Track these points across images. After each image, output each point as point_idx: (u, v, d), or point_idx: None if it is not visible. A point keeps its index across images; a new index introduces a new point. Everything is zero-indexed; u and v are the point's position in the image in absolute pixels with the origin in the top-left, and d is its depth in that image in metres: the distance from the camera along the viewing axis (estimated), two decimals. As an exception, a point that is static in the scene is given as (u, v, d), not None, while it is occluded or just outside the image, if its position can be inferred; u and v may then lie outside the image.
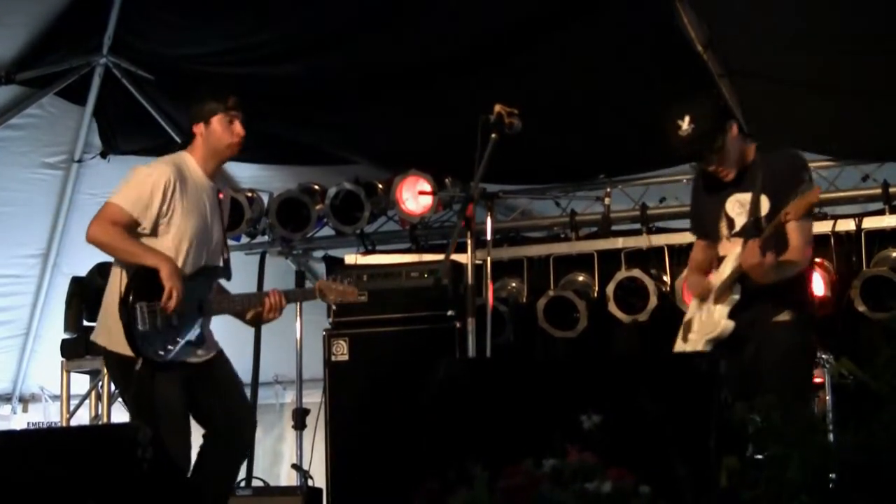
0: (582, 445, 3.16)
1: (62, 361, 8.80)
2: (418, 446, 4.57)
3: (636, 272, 8.18)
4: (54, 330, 9.20)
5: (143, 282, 5.57)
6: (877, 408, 2.97)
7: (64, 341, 8.72)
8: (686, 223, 8.29)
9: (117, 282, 5.66)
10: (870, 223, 7.80)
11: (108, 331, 5.67)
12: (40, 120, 9.02)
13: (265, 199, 9.12)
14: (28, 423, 10.44)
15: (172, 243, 5.68)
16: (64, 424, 8.92)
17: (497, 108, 5.91)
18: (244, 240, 9.30)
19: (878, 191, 7.82)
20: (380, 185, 8.90)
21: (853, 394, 4.75)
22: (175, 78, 8.78)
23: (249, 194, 9.09)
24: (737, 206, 5.46)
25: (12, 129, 8.90)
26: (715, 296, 5.46)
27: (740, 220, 5.45)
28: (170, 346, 5.63)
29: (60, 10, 8.17)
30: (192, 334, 5.74)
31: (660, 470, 3.27)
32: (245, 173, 9.41)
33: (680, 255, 8.25)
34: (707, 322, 5.49)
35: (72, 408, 9.05)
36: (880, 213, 7.79)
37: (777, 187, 5.30)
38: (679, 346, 5.72)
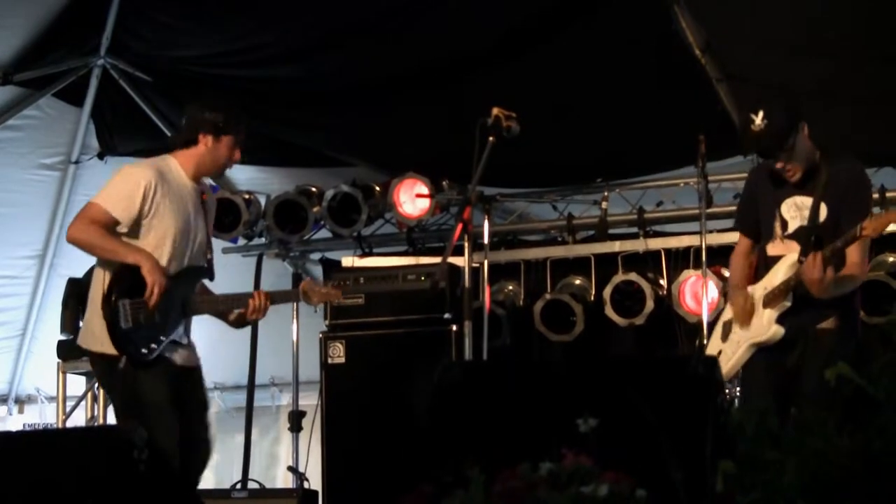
0: (578, 449, 3.16)
1: (58, 363, 8.80)
2: (414, 449, 4.57)
3: (633, 276, 8.19)
4: (51, 331, 9.20)
5: (126, 280, 5.60)
6: (873, 412, 2.97)
7: (60, 342, 8.71)
8: (683, 227, 8.35)
9: (100, 282, 5.67)
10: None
11: (93, 332, 5.68)
12: (38, 121, 9.02)
13: (262, 201, 9.12)
14: (24, 425, 10.43)
15: (154, 244, 5.69)
16: (60, 426, 8.92)
17: (495, 111, 5.92)
18: (241, 241, 9.30)
19: (875, 195, 7.81)
20: (377, 188, 8.90)
21: (850, 398, 4.76)
22: (173, 80, 8.79)
23: (247, 196, 9.08)
24: (793, 209, 5.43)
25: (10, 129, 8.90)
26: (765, 300, 5.45)
27: (794, 224, 5.42)
28: (153, 345, 5.63)
29: (58, 12, 8.16)
30: (176, 334, 5.75)
31: (656, 474, 3.27)
32: (242, 175, 9.41)
33: (677, 258, 8.27)
34: (756, 325, 5.47)
35: (68, 409, 9.05)
36: (877, 217, 7.79)
37: (839, 197, 5.29)
38: (716, 345, 5.69)
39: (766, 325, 5.43)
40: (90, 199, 5.71)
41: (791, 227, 5.44)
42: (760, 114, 5.35)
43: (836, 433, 2.91)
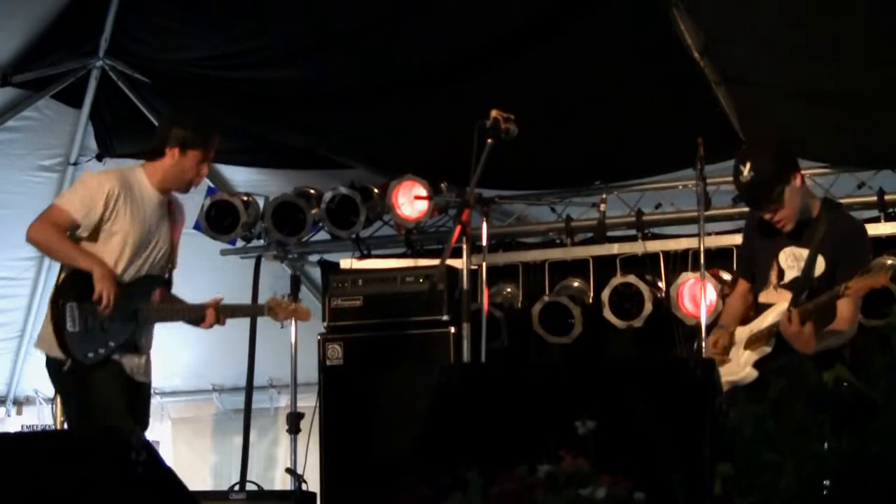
0: (576, 451, 3.16)
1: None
2: (412, 451, 4.57)
3: (631, 278, 8.19)
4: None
5: (77, 284, 5.70)
6: (871, 415, 2.97)
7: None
8: (681, 229, 8.36)
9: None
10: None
11: (43, 335, 5.80)
12: (36, 122, 9.01)
13: (261, 202, 9.11)
14: (22, 426, 10.44)
15: (113, 250, 5.79)
16: (58, 427, 8.90)
17: (493, 113, 5.92)
18: (240, 243, 9.29)
19: (874, 198, 7.83)
20: (375, 190, 8.89)
21: (847, 401, 4.76)
22: (171, 82, 8.78)
23: (245, 198, 9.08)
24: (790, 259, 5.44)
25: (8, 131, 8.89)
26: (747, 341, 5.46)
27: (791, 273, 5.43)
28: (100, 350, 5.72)
29: (57, 13, 8.15)
30: (124, 340, 5.82)
31: (654, 476, 3.27)
32: (241, 177, 9.41)
33: (675, 261, 8.26)
34: (733, 363, 5.48)
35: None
36: (875, 220, 7.79)
37: (836, 251, 5.30)
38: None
39: (741, 366, 5.44)
40: (54, 200, 5.86)
41: (787, 277, 5.45)
42: (748, 165, 5.37)
43: (834, 436, 2.91)
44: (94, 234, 5.78)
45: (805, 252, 5.39)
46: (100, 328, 5.69)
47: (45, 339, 5.79)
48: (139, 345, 5.90)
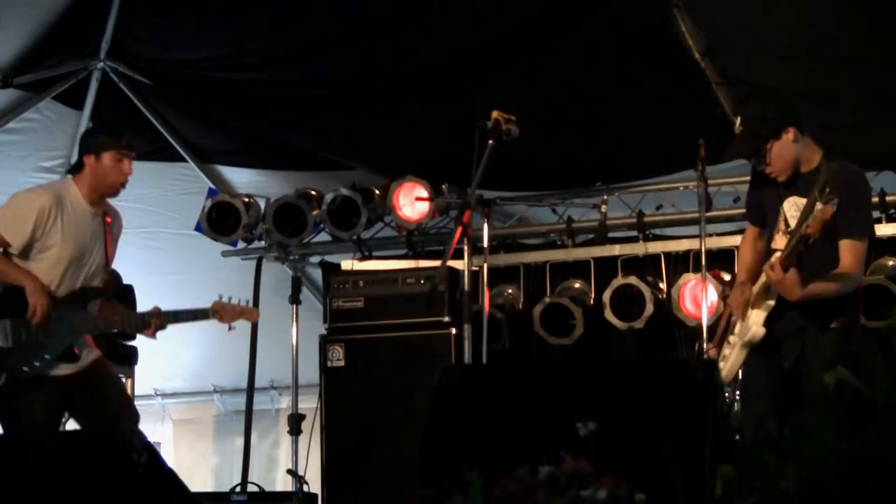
0: (577, 452, 3.16)
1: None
2: (414, 452, 4.57)
3: (632, 279, 8.19)
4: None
5: (10, 300, 5.82)
6: (872, 417, 2.97)
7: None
8: (682, 230, 8.36)
9: None
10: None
11: None
12: (38, 124, 9.01)
13: (262, 204, 9.11)
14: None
15: (47, 266, 5.89)
16: (59, 429, 8.90)
17: (494, 114, 5.92)
18: (241, 245, 9.29)
19: (875, 199, 7.81)
20: (377, 191, 8.90)
21: (849, 402, 4.76)
22: (172, 83, 8.79)
23: (246, 199, 9.08)
24: (793, 208, 5.45)
25: (9, 133, 8.89)
26: (753, 300, 5.47)
27: (794, 222, 5.44)
28: (36, 363, 5.84)
29: (58, 14, 8.15)
30: (60, 353, 5.91)
31: (655, 477, 3.27)
32: (242, 178, 9.41)
33: (676, 262, 8.26)
34: (744, 325, 5.49)
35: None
36: (877, 221, 7.77)
37: (837, 201, 5.30)
38: (724, 348, 5.70)
39: (750, 325, 5.44)
40: None
41: (792, 225, 5.46)
42: (739, 118, 5.45)
43: (835, 437, 2.91)
44: (27, 251, 5.89)
45: (804, 201, 5.41)
46: (35, 342, 5.82)
47: None
48: (77, 356, 5.99)
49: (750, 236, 5.81)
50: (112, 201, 6.29)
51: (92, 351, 6.10)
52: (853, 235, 5.32)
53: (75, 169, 6.09)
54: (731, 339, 5.60)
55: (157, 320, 6.05)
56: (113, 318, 6.16)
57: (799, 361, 5.35)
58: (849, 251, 5.32)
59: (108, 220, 6.13)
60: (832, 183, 5.35)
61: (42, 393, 5.86)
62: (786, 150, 5.42)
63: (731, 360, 5.54)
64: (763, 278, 5.42)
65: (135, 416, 6.17)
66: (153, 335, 6.12)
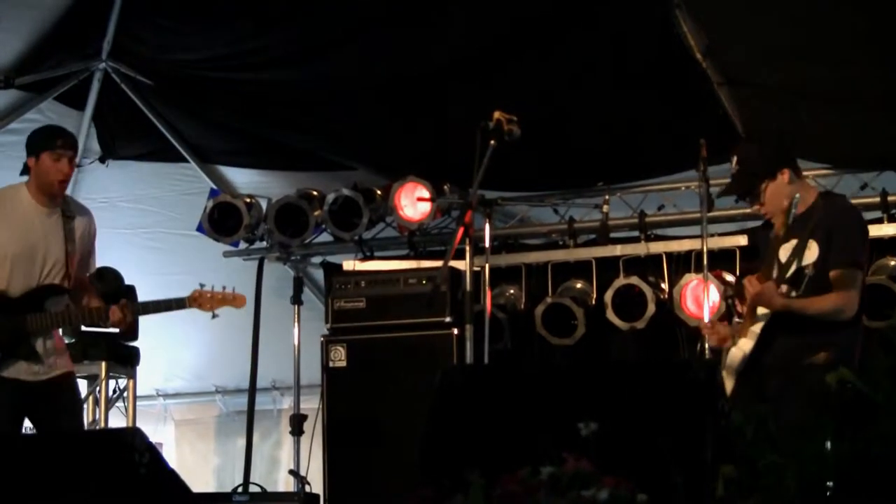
0: (579, 453, 3.17)
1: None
2: (416, 453, 4.57)
3: (634, 279, 8.19)
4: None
5: None
6: (874, 417, 2.97)
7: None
8: (683, 230, 8.35)
9: None
10: (868, 232, 7.80)
11: None
12: (39, 124, 8.97)
13: (264, 204, 9.11)
14: (25, 428, 10.42)
15: None
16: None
17: (496, 114, 5.93)
18: (242, 245, 9.29)
19: (877, 199, 7.82)
20: (378, 192, 8.89)
21: (850, 403, 4.76)
22: (174, 83, 8.79)
23: (248, 200, 9.08)
24: (788, 252, 5.46)
25: (11, 133, 8.88)
26: (741, 330, 5.48)
27: (792, 267, 5.44)
28: None
29: (60, 15, 8.16)
30: (16, 350, 5.97)
31: (656, 478, 3.27)
32: (243, 179, 9.41)
33: (678, 262, 8.26)
34: (734, 354, 5.49)
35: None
36: (878, 221, 7.79)
37: (828, 233, 5.30)
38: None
39: (735, 353, 5.45)
40: None
41: (790, 271, 5.44)
42: (735, 158, 5.47)
43: (836, 438, 2.91)
44: None
45: (795, 242, 5.42)
46: None
47: None
48: (36, 353, 6.03)
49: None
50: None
51: (61, 362, 6.17)
52: (842, 265, 5.32)
53: (24, 172, 6.27)
54: (724, 368, 5.60)
55: (122, 312, 6.10)
56: (71, 313, 6.21)
57: (782, 391, 5.31)
58: (839, 281, 5.32)
59: (73, 222, 6.22)
60: (824, 218, 5.34)
61: (3, 396, 5.94)
62: (780, 190, 5.43)
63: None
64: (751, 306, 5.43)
65: None
66: (116, 325, 6.19)
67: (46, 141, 6.22)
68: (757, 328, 5.37)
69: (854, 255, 5.39)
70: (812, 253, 5.32)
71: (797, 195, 5.34)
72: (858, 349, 5.49)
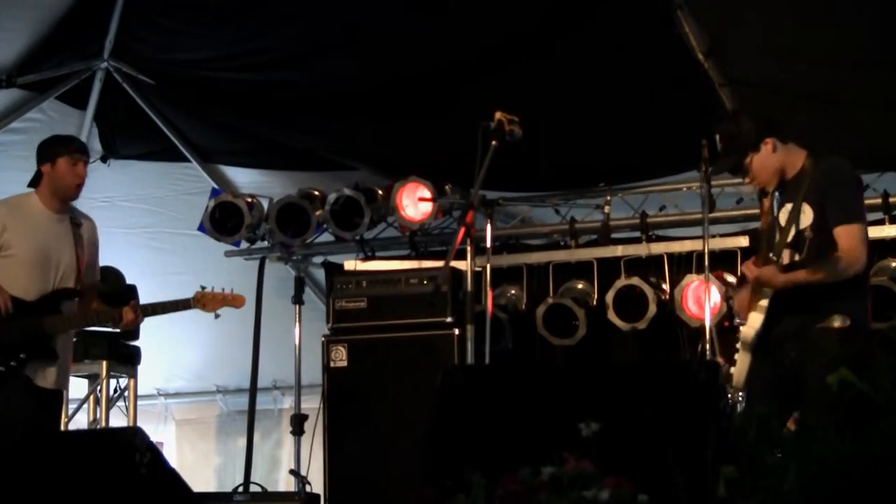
0: (580, 453, 3.16)
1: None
2: (417, 453, 4.57)
3: (635, 280, 8.19)
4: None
5: None
6: (875, 418, 2.97)
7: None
8: (685, 231, 8.36)
9: None
10: (869, 233, 7.78)
11: None
12: (41, 124, 9.01)
13: (265, 204, 9.11)
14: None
15: (12, 273, 6.17)
16: (62, 428, 8.91)
17: (497, 115, 5.93)
18: (244, 245, 9.29)
19: (878, 200, 7.81)
20: (380, 192, 8.89)
21: (851, 403, 4.75)
22: (176, 83, 8.79)
23: (249, 199, 9.08)
24: (786, 215, 5.47)
25: (13, 132, 8.90)
26: (749, 303, 5.49)
27: (791, 231, 5.45)
28: (11, 362, 6.06)
29: (62, 15, 8.17)
30: (34, 352, 6.11)
31: (658, 478, 3.27)
32: (245, 178, 9.41)
33: (679, 263, 8.26)
34: (746, 329, 5.51)
35: (70, 412, 9.04)
36: (880, 222, 7.79)
37: (820, 194, 5.32)
38: (736, 356, 5.70)
39: (747, 329, 5.46)
40: None
41: (790, 236, 5.45)
42: (718, 136, 5.55)
43: (838, 438, 2.91)
44: None
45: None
46: (8, 343, 6.03)
47: None
48: (52, 355, 6.17)
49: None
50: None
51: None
52: (842, 221, 5.32)
53: (35, 181, 6.42)
54: (739, 345, 5.61)
55: (132, 314, 6.29)
56: (85, 314, 6.40)
57: (800, 362, 5.35)
58: (841, 236, 5.33)
59: (80, 229, 6.40)
60: (815, 181, 5.37)
61: (20, 391, 6.05)
62: (766, 161, 5.46)
63: (739, 365, 5.55)
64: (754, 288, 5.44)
65: None
66: (127, 326, 6.43)
67: (62, 146, 6.41)
68: (764, 302, 5.39)
69: (850, 208, 5.40)
70: (807, 216, 5.34)
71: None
72: (870, 309, 5.56)
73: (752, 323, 5.44)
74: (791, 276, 5.31)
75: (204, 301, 6.48)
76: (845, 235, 5.34)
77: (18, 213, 6.34)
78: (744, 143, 5.48)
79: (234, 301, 6.60)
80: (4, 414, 6.03)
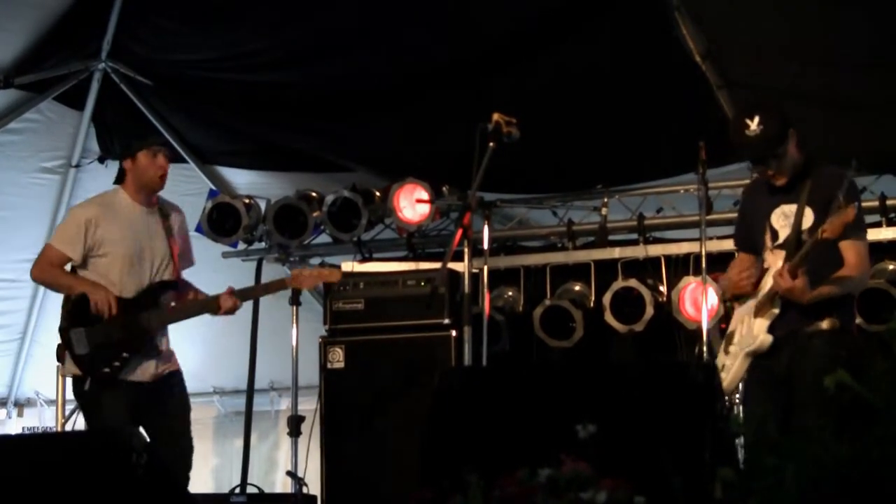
0: (577, 455, 3.16)
1: (58, 366, 8.75)
2: (414, 454, 4.57)
3: (633, 282, 8.19)
4: (50, 335, 9.11)
5: (80, 309, 6.22)
6: (872, 420, 2.97)
7: (60, 346, 8.70)
8: (682, 234, 8.36)
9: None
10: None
11: (65, 356, 6.31)
12: (38, 124, 9.02)
13: (262, 205, 9.11)
14: (23, 428, 10.44)
15: (109, 271, 6.27)
16: (59, 429, 8.91)
17: (495, 116, 5.93)
18: (241, 246, 9.29)
19: (875, 203, 7.81)
20: (377, 193, 8.89)
21: (849, 406, 4.76)
22: (173, 84, 8.79)
23: (247, 201, 9.08)
24: (782, 218, 5.47)
25: (10, 133, 8.90)
26: (755, 309, 5.48)
27: (784, 232, 5.45)
28: (116, 363, 6.15)
29: (60, 15, 8.17)
30: (137, 350, 6.22)
31: (655, 480, 3.27)
32: (242, 180, 9.41)
33: (677, 265, 8.26)
34: (747, 336, 5.50)
35: (67, 413, 9.03)
36: (877, 225, 7.78)
37: (823, 201, 5.32)
38: (721, 358, 5.70)
39: (755, 334, 5.44)
40: (47, 242, 6.47)
41: (781, 237, 5.46)
42: (756, 119, 5.40)
43: (835, 441, 2.91)
44: (88, 262, 6.30)
45: (794, 207, 5.42)
46: (113, 343, 6.12)
47: (67, 361, 6.32)
48: (155, 351, 6.27)
49: (739, 261, 5.81)
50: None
51: (171, 362, 6.43)
52: (851, 236, 5.33)
53: (120, 178, 6.48)
54: (732, 348, 5.60)
55: (230, 301, 6.43)
56: (185, 307, 6.53)
57: (791, 366, 5.36)
58: (852, 251, 5.34)
59: (170, 219, 6.51)
60: (820, 184, 5.37)
61: (119, 396, 6.14)
62: (793, 152, 5.45)
63: (732, 371, 5.55)
64: (764, 288, 5.43)
65: (187, 454, 6.40)
66: (225, 313, 6.50)
67: (140, 141, 6.49)
68: (776, 311, 5.39)
69: (860, 224, 5.42)
70: (807, 220, 5.35)
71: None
72: (855, 313, 5.63)
73: (761, 328, 5.44)
74: (818, 292, 5.30)
75: (300, 278, 6.67)
76: (854, 250, 5.36)
77: (109, 211, 6.38)
78: (782, 129, 5.43)
79: (331, 275, 6.81)
80: (109, 415, 6.09)
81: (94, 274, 6.28)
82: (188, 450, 6.40)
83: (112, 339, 6.15)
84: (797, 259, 5.24)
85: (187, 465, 6.34)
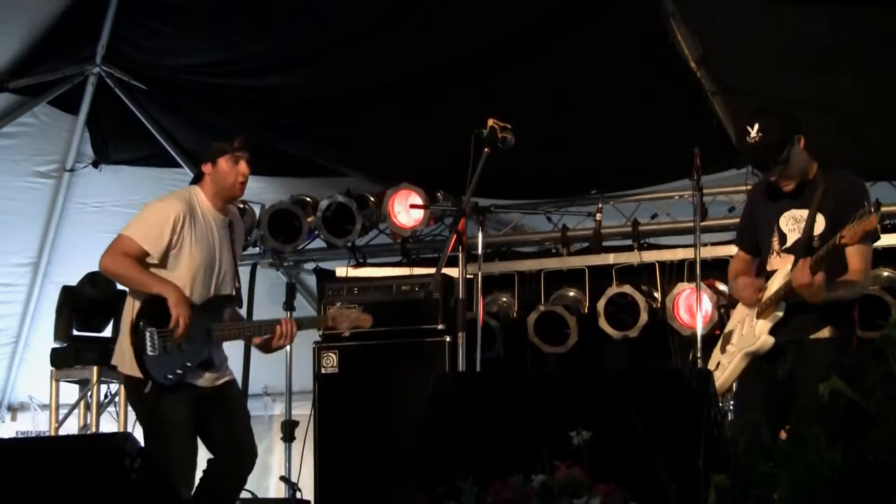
0: (571, 461, 3.16)
1: (51, 370, 8.78)
2: (407, 460, 4.57)
3: (627, 288, 8.19)
4: (44, 339, 9.18)
5: (154, 309, 5.86)
6: (866, 427, 2.97)
7: (54, 350, 8.70)
8: (677, 240, 8.36)
9: (130, 309, 5.94)
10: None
11: (123, 355, 5.95)
12: (33, 128, 9.01)
13: (257, 210, 9.11)
14: (16, 432, 10.41)
15: (182, 274, 5.95)
16: (52, 434, 8.89)
17: (490, 122, 5.93)
18: (235, 251, 9.27)
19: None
20: (372, 198, 8.89)
21: (843, 413, 4.76)
22: (168, 88, 8.79)
23: (241, 205, 9.06)
24: (791, 222, 5.47)
25: (4, 137, 8.89)
26: (759, 310, 5.48)
27: (793, 236, 5.45)
28: (178, 371, 5.90)
29: (54, 19, 8.16)
30: (200, 360, 5.98)
31: (649, 486, 3.27)
32: (237, 184, 9.39)
33: (671, 271, 8.26)
34: (747, 335, 5.50)
35: (61, 417, 9.03)
36: (872, 232, 7.78)
37: (836, 208, 5.32)
38: (716, 356, 5.70)
39: (757, 335, 5.45)
40: (121, 231, 5.97)
41: (790, 240, 5.47)
42: (756, 126, 5.40)
43: (829, 447, 2.91)
44: (164, 260, 5.95)
45: (805, 213, 5.43)
46: (177, 350, 5.88)
47: (125, 360, 5.95)
48: (214, 363, 6.07)
49: (739, 260, 5.82)
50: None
51: (227, 370, 6.22)
52: (858, 241, 5.32)
53: (197, 180, 6.21)
54: (730, 347, 5.61)
55: (286, 327, 6.13)
56: (246, 325, 6.35)
57: (793, 372, 5.37)
58: (857, 256, 5.35)
59: (233, 227, 6.25)
60: (830, 191, 5.37)
61: (182, 399, 5.94)
62: (800, 156, 5.45)
63: (729, 370, 5.55)
64: (771, 290, 5.43)
65: (253, 451, 6.22)
66: (280, 342, 6.18)
67: (224, 144, 6.16)
68: (780, 314, 5.39)
69: (876, 229, 5.42)
70: (819, 226, 5.35)
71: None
72: (856, 323, 5.57)
73: (763, 329, 5.44)
74: (829, 296, 5.30)
75: (339, 319, 6.35)
76: (861, 255, 5.36)
77: (194, 212, 6.04)
78: (786, 134, 5.41)
79: (366, 321, 6.43)
80: (169, 421, 5.91)
81: (167, 273, 5.94)
82: (252, 454, 6.20)
83: (179, 345, 5.87)
84: (817, 257, 5.24)
85: (251, 465, 6.18)
